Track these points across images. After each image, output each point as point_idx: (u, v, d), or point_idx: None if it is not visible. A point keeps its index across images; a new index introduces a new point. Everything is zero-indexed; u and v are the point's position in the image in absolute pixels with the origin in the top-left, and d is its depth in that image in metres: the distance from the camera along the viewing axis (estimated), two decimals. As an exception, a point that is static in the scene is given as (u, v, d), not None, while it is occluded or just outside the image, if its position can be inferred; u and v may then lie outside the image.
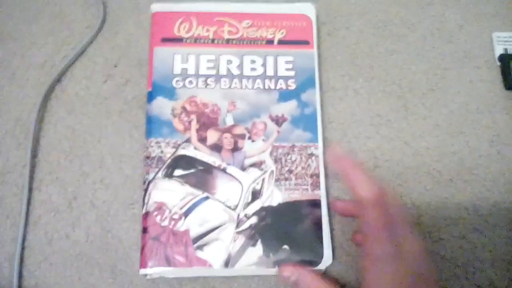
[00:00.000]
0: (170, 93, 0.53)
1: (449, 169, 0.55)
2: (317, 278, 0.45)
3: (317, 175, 0.51)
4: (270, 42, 0.56)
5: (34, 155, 0.53)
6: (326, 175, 0.52)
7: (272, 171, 0.51)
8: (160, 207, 0.49)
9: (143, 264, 0.47)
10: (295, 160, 0.52)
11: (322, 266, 0.48)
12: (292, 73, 0.55)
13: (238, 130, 0.52)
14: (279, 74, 0.55)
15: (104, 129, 0.54)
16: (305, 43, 0.56)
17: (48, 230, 0.51)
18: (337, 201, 0.51)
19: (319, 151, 0.52)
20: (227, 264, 0.48)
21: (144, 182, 0.50)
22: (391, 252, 0.39)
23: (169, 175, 0.50)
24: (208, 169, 0.51)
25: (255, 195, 0.50)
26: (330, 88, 0.57)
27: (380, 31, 0.60)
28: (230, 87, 0.54)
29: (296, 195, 0.51)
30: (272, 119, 0.53)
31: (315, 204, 0.50)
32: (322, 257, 0.48)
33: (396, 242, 0.40)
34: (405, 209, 0.52)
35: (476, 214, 0.53)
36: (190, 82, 0.54)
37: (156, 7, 0.56)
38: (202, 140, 0.52)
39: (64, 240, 0.50)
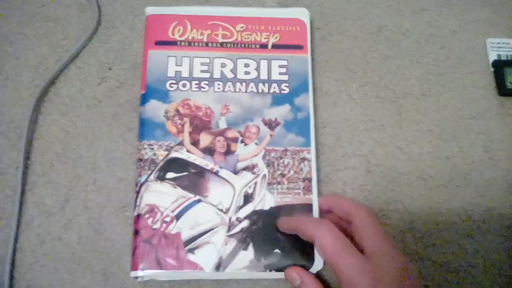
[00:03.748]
0: (164, 96, 0.53)
1: (442, 174, 0.55)
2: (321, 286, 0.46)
3: (309, 179, 0.51)
4: (264, 46, 0.56)
5: (27, 157, 0.53)
6: (319, 180, 0.52)
7: (264, 175, 0.51)
8: (152, 210, 0.49)
9: (134, 267, 0.47)
10: (287, 164, 0.52)
11: (313, 270, 0.48)
12: (285, 77, 0.55)
13: (231, 134, 0.52)
14: (273, 78, 0.55)
15: (98, 132, 0.54)
16: (299, 47, 0.56)
17: (40, 232, 0.51)
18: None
19: (312, 156, 0.52)
20: (218, 267, 0.48)
21: (136, 185, 0.50)
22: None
23: (161, 177, 0.50)
24: (200, 172, 0.51)
25: (247, 198, 0.50)
26: (324, 92, 0.57)
27: (374, 36, 0.60)
28: (223, 90, 0.54)
29: (288, 199, 0.51)
30: (265, 123, 0.53)
31: (307, 208, 0.50)
32: (313, 262, 0.48)
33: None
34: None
35: (468, 219, 0.53)
36: (184, 85, 0.54)
37: (150, 10, 0.56)
38: (195, 143, 0.52)
39: (56, 242, 0.50)
